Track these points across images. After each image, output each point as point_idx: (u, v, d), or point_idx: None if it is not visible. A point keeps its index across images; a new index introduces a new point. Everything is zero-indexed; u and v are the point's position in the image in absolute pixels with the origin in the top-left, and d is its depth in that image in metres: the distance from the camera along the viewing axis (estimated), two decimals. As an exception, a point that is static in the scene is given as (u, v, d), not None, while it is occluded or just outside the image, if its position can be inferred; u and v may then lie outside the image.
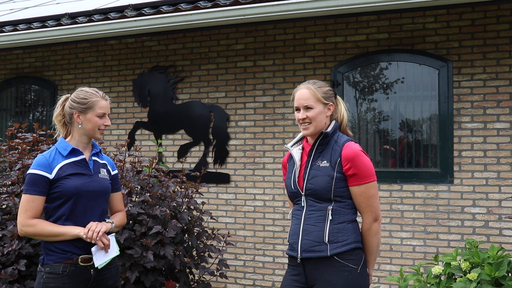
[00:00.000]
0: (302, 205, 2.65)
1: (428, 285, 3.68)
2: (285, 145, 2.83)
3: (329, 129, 2.66)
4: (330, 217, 2.57)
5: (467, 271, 3.51)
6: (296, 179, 2.67)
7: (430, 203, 4.96)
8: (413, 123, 5.15)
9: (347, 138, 2.65)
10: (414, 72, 5.11)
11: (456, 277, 3.62)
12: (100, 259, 2.66)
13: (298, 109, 2.68)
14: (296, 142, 2.79)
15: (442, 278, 3.69)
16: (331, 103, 2.67)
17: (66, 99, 2.80)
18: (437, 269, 3.64)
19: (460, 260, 3.60)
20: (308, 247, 2.58)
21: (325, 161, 2.60)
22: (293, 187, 2.68)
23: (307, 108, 2.64)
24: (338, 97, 2.77)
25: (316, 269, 2.59)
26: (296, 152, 2.72)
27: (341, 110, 2.73)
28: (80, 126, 2.74)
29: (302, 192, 2.64)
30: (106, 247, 2.67)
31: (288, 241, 2.72)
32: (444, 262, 3.70)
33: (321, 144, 2.64)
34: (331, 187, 2.57)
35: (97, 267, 2.67)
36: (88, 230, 2.62)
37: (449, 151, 4.91)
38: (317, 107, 2.63)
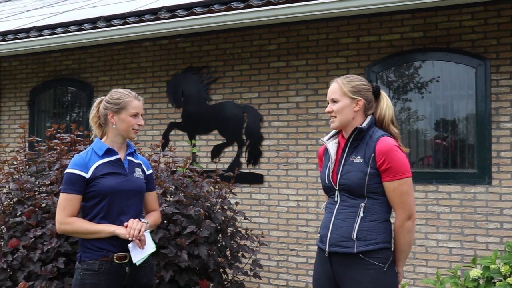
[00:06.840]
0: (336, 199, 2.64)
1: (466, 288, 3.60)
2: (321, 139, 2.82)
3: (364, 124, 2.63)
4: (361, 214, 2.55)
5: (507, 275, 3.42)
6: (330, 174, 2.66)
7: (467, 205, 4.84)
8: (449, 123, 5.05)
9: (383, 133, 2.61)
10: (450, 71, 5.00)
11: (495, 281, 3.53)
12: (137, 255, 2.71)
13: (329, 103, 2.70)
14: (333, 136, 2.77)
15: (481, 281, 3.61)
16: (360, 98, 2.63)
17: (101, 101, 2.86)
18: (476, 272, 3.56)
19: (499, 264, 3.51)
20: (336, 241, 2.58)
21: (359, 157, 2.58)
22: (327, 182, 2.68)
23: (334, 101, 2.65)
24: (382, 93, 2.72)
25: (341, 265, 2.58)
26: (332, 146, 2.70)
27: (383, 106, 2.69)
28: (114, 126, 2.79)
29: (336, 187, 2.63)
30: (142, 243, 2.71)
31: (319, 233, 2.72)
32: (483, 265, 3.62)
33: (355, 139, 2.62)
34: (364, 183, 2.54)
35: (135, 263, 2.71)
36: (130, 228, 2.66)
37: (487, 151, 4.79)
38: (342, 101, 2.62)
